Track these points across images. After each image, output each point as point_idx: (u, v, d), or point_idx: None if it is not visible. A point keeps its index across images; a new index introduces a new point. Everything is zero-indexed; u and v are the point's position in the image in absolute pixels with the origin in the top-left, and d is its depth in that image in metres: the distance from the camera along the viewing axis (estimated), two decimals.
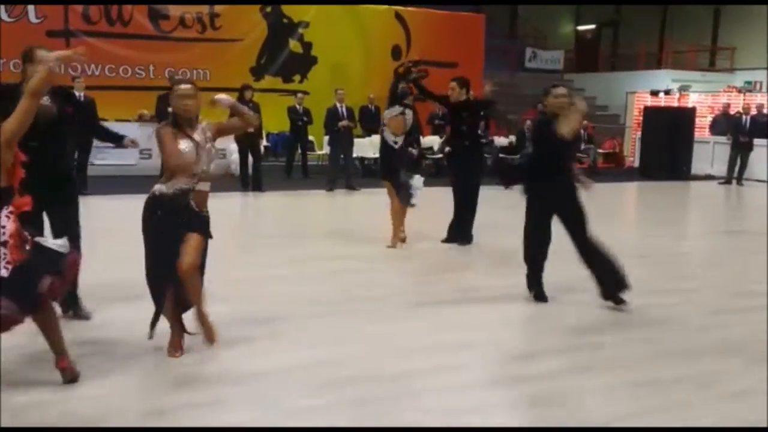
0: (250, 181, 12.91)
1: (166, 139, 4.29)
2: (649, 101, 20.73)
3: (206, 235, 4.42)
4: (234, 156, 13.77)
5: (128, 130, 14.60)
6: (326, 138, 14.61)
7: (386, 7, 19.41)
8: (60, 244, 3.86)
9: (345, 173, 13.70)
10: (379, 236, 8.36)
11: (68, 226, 4.84)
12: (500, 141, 17.31)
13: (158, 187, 4.31)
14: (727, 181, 16.34)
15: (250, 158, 13.02)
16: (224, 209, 11.69)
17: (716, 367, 4.67)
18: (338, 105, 13.80)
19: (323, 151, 15.66)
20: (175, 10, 16.81)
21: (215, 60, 17.09)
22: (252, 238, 9.24)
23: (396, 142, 7.95)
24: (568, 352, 4.87)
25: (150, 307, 4.46)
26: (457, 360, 4.66)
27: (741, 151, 16.28)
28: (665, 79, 23.51)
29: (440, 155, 15.81)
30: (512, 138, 17.14)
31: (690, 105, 19.99)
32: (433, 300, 6.06)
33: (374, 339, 5.00)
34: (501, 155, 15.86)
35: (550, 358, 4.75)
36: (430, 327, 5.31)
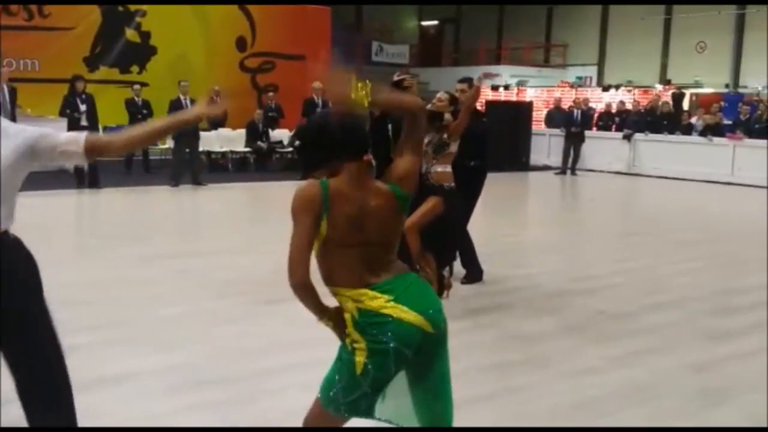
0: (86, 177, 12.13)
1: None
2: (491, 96, 21.56)
3: None
4: None
5: None
6: None
7: None
8: None
9: (191, 168, 13.25)
10: (227, 233, 8.13)
11: None
12: None
13: None
14: (562, 171, 17.29)
15: None
16: (58, 208, 11.07)
17: (556, 347, 4.88)
18: (182, 97, 13.30)
19: (167, 145, 15.07)
20: None
21: (44, 49, 16.03)
22: (91, 238, 8.69)
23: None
24: None
25: None
26: (312, 356, 4.58)
27: (573, 142, 17.28)
28: (505, 74, 24.54)
29: (291, 149, 15.69)
30: None
31: (528, 99, 20.97)
32: (285, 296, 5.94)
33: (227, 339, 4.85)
34: None
35: None
36: (283, 324, 5.18)
